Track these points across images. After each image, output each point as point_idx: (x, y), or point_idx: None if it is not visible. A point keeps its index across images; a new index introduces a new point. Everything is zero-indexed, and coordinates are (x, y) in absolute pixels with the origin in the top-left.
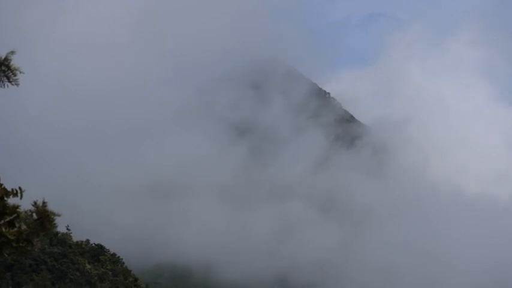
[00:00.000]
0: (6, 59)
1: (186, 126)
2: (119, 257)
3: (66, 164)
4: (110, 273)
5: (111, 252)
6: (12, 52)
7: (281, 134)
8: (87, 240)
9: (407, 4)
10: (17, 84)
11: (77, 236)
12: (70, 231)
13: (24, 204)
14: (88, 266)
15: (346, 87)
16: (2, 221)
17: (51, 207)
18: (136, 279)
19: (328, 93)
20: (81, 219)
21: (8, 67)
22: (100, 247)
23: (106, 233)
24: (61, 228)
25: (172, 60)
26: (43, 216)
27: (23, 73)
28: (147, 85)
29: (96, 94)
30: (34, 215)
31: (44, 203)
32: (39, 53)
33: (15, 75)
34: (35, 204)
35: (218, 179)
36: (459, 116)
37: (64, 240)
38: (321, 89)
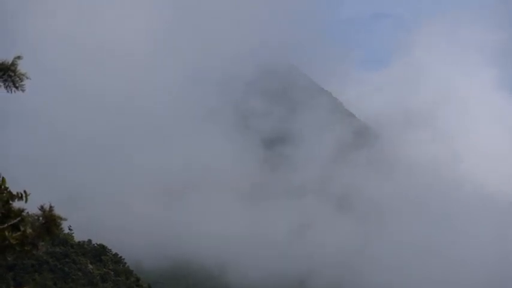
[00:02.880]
0: (12, 64)
1: (202, 127)
2: (121, 257)
3: (83, 164)
4: (112, 273)
5: (113, 252)
6: (19, 57)
7: (296, 134)
8: (89, 240)
9: (409, 2)
10: (23, 90)
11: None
12: (72, 231)
13: (33, 206)
14: (90, 266)
15: (357, 88)
16: (6, 225)
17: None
18: (138, 279)
19: (329, 92)
20: (94, 219)
21: (14, 72)
22: (102, 247)
23: (120, 233)
24: (66, 228)
25: (191, 64)
26: (49, 221)
27: (29, 79)
28: (166, 90)
29: (116, 98)
30: (41, 219)
31: (51, 207)
32: (62, 59)
33: (21, 81)
34: (41, 208)
35: (234, 178)
36: (474, 112)
37: (66, 240)
38: (331, 92)
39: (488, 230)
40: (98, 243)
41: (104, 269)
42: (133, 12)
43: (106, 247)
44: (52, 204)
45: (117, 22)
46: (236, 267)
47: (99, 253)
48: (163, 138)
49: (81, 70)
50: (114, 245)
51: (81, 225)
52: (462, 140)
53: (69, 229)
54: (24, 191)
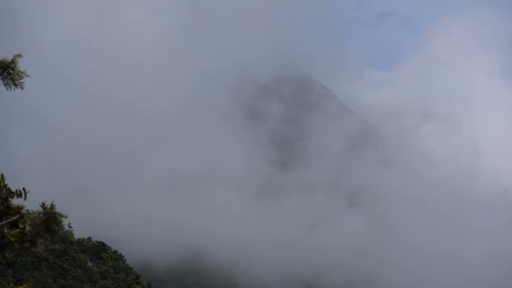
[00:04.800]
0: (12, 61)
1: (214, 127)
2: (120, 254)
3: (95, 163)
4: (112, 270)
5: (113, 250)
6: (19, 55)
7: (307, 134)
8: (89, 238)
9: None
10: (22, 88)
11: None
12: (72, 229)
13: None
14: (90, 263)
15: (367, 86)
16: (4, 222)
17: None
18: (138, 276)
19: (340, 91)
20: (105, 216)
21: (14, 69)
22: (102, 244)
23: (130, 230)
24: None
25: (204, 67)
26: (49, 218)
27: (29, 76)
28: (179, 92)
29: (129, 99)
30: (41, 216)
31: (52, 204)
32: (75, 62)
33: (21, 78)
34: (43, 205)
35: (245, 177)
36: (491, 106)
37: (65, 237)
38: (341, 92)
39: (504, 227)
40: (98, 240)
41: (104, 266)
42: (146, 16)
43: (106, 244)
44: (54, 202)
45: (129, 26)
46: (245, 264)
47: (98, 250)
48: (175, 138)
49: (96, 73)
50: (124, 241)
51: (90, 221)
52: (478, 135)
53: (69, 226)
54: (23, 188)
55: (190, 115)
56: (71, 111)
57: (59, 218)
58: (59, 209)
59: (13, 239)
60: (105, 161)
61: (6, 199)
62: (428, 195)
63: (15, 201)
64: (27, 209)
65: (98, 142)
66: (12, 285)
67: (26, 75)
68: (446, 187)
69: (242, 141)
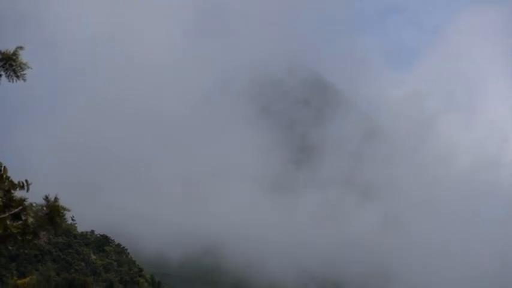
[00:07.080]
0: (14, 53)
1: (231, 126)
2: (123, 247)
3: (114, 158)
4: (115, 263)
5: (116, 243)
6: (21, 47)
7: (320, 131)
8: (92, 231)
9: None
10: (24, 79)
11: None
12: (75, 222)
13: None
14: (93, 257)
15: (380, 84)
16: (7, 214)
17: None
18: (141, 270)
19: (345, 90)
20: (119, 208)
21: (15, 61)
22: (105, 238)
23: (147, 225)
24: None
25: (220, 70)
26: (53, 211)
27: (31, 68)
28: (196, 93)
29: (150, 102)
30: (44, 209)
31: (55, 198)
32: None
33: (22, 70)
34: (46, 198)
35: (259, 174)
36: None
37: (69, 230)
38: (354, 89)
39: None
40: (101, 233)
41: (107, 259)
42: (159, 19)
43: (109, 238)
44: (57, 196)
45: (141, 29)
46: (259, 259)
47: (102, 243)
48: (191, 138)
49: (116, 78)
50: (140, 237)
51: (105, 214)
52: (498, 128)
53: (72, 219)
54: (26, 180)
55: (205, 115)
56: (88, 114)
57: (62, 211)
58: (72, 207)
59: (15, 231)
60: (124, 162)
61: (8, 191)
62: (443, 192)
63: (18, 194)
64: (31, 202)
65: (112, 143)
66: (15, 278)
67: (28, 67)
68: (463, 182)
69: (256, 140)
